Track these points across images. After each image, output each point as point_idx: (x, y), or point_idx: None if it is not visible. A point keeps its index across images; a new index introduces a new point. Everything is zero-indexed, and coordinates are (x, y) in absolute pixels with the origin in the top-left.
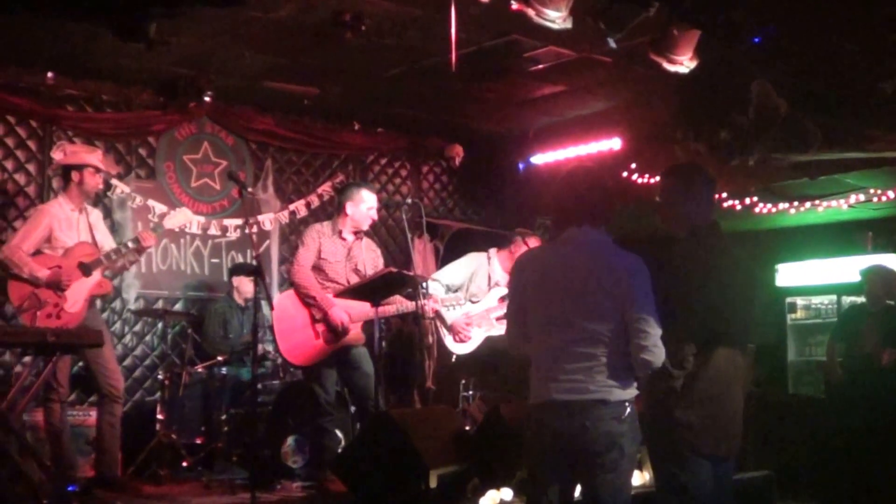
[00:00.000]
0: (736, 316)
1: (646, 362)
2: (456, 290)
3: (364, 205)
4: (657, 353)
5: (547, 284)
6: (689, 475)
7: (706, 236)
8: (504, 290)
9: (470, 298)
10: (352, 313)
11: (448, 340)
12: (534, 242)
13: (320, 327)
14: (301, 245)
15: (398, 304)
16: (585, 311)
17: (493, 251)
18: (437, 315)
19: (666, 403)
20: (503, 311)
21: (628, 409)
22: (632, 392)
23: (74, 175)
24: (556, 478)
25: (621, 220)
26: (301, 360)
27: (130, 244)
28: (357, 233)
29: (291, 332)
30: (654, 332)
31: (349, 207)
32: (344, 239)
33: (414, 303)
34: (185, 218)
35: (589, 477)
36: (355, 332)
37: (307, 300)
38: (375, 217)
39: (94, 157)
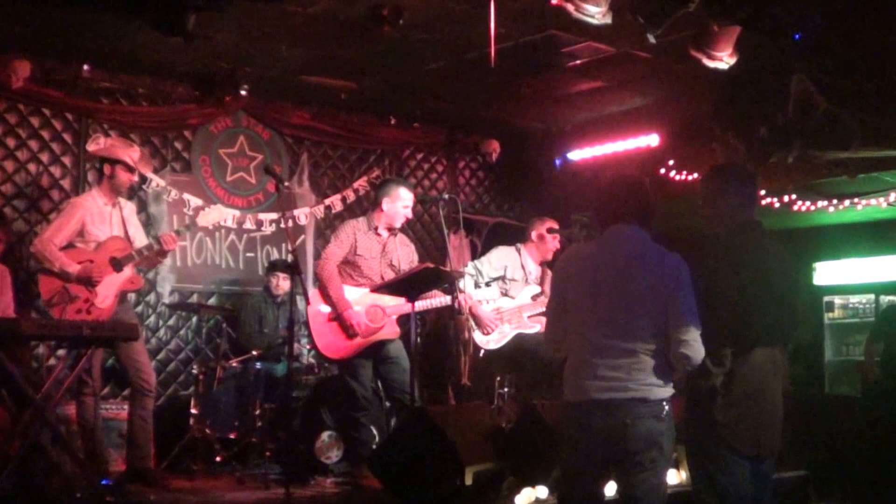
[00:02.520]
0: (774, 314)
1: (685, 357)
2: (488, 284)
3: (400, 202)
4: (696, 349)
5: (589, 281)
6: (727, 476)
7: (746, 234)
8: (537, 289)
9: (506, 292)
10: (386, 308)
11: (476, 334)
12: (545, 225)
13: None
14: (334, 239)
15: (433, 298)
16: (627, 308)
17: (519, 245)
18: (471, 310)
19: (705, 402)
20: (536, 310)
21: (667, 408)
22: (669, 391)
23: (107, 168)
24: (592, 476)
25: (659, 218)
26: (337, 354)
27: (154, 246)
28: (391, 229)
29: (327, 327)
30: (694, 328)
31: (385, 203)
32: (379, 235)
33: (449, 296)
34: (218, 216)
35: (627, 475)
36: (391, 327)
37: (326, 297)
38: (410, 215)
39: (128, 153)
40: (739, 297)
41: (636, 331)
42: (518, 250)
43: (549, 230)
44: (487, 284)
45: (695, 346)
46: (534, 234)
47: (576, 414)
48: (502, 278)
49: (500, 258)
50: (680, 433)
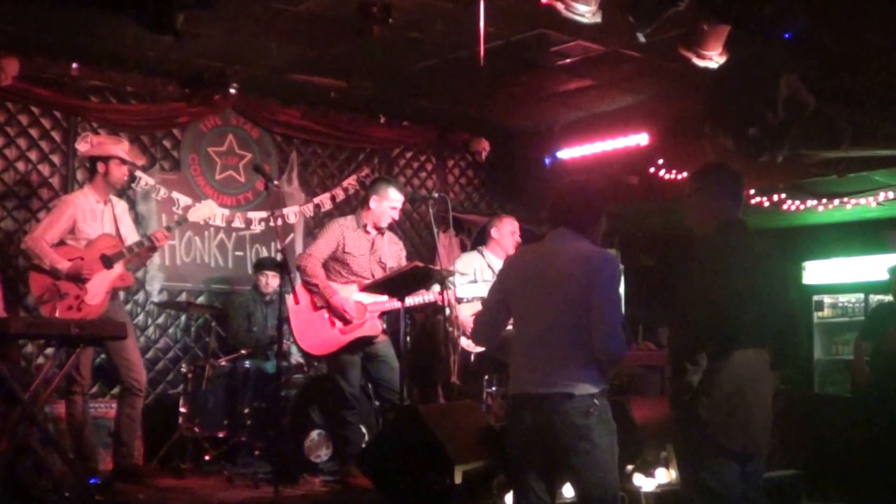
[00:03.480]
0: (756, 312)
1: (604, 348)
2: (475, 282)
3: (388, 202)
4: (615, 340)
5: (525, 279)
6: (714, 476)
7: (729, 233)
8: None
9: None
10: (368, 305)
11: (462, 339)
12: (507, 225)
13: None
14: (321, 236)
15: (418, 295)
16: (555, 306)
17: (480, 247)
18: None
19: (688, 402)
20: None
21: (596, 403)
22: (598, 386)
23: (100, 166)
24: (535, 471)
25: (647, 217)
26: (320, 351)
27: (145, 242)
28: (379, 227)
29: (307, 324)
30: (613, 320)
31: (373, 201)
32: (368, 233)
33: (434, 292)
34: (209, 211)
35: (570, 471)
36: (372, 324)
37: (311, 287)
38: (396, 216)
39: (120, 148)
40: (719, 296)
41: (564, 327)
42: (481, 253)
43: (514, 232)
44: (474, 282)
45: (613, 336)
46: (494, 232)
47: (512, 407)
48: (474, 281)
49: (465, 265)
50: (668, 432)
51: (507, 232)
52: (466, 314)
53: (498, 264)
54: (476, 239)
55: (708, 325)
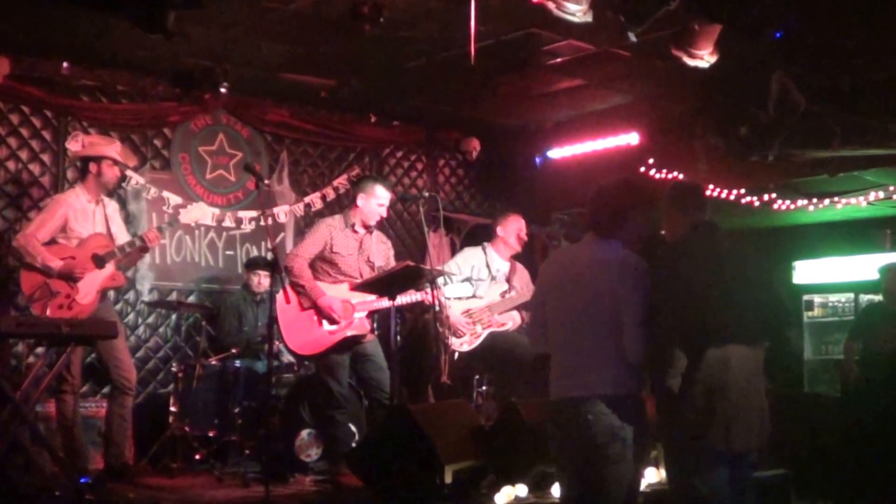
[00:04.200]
0: (735, 310)
1: (627, 351)
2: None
3: (375, 200)
4: (633, 343)
5: (558, 284)
6: (700, 477)
7: (698, 236)
8: (504, 286)
9: (473, 293)
10: (356, 305)
11: (451, 337)
12: (513, 223)
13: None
14: (309, 236)
15: (408, 295)
16: (580, 309)
17: (485, 244)
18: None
19: (669, 404)
20: (505, 306)
21: (630, 403)
22: (630, 386)
23: (92, 167)
24: (576, 474)
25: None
26: (308, 351)
27: (137, 242)
28: (367, 226)
29: (295, 324)
30: (632, 323)
31: (360, 199)
32: (356, 232)
33: (423, 291)
34: (200, 213)
35: (596, 469)
36: (361, 323)
37: (297, 288)
38: (384, 214)
39: (112, 149)
40: (690, 297)
41: (590, 331)
42: (484, 249)
43: (519, 231)
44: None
45: (632, 340)
46: (500, 231)
47: (552, 412)
48: (469, 279)
49: (467, 260)
50: (657, 432)
51: (512, 230)
52: (457, 313)
53: (498, 263)
54: (465, 236)
55: (681, 326)
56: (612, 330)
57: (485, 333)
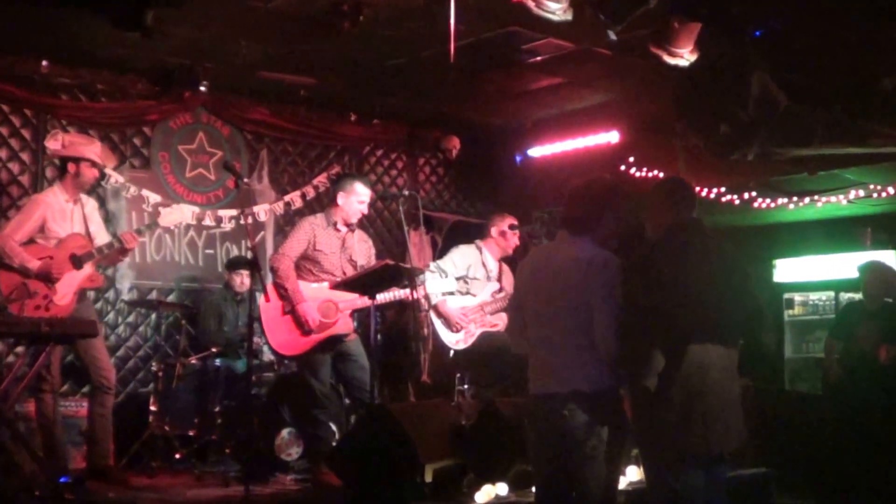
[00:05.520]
0: (713, 309)
1: (600, 349)
2: (457, 280)
3: (355, 197)
4: (606, 342)
5: (533, 283)
6: (677, 479)
7: (677, 235)
8: (496, 285)
9: (468, 290)
10: (339, 303)
11: (444, 334)
12: (503, 225)
13: None
14: (292, 235)
15: (390, 292)
16: (556, 307)
17: (479, 242)
18: (437, 308)
19: (645, 405)
20: (496, 306)
21: (607, 400)
22: (606, 383)
23: (71, 167)
24: (553, 471)
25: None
26: (292, 351)
27: (115, 244)
28: (349, 224)
29: (279, 324)
30: (606, 321)
31: (340, 198)
32: (338, 230)
33: (406, 289)
34: (180, 216)
35: (574, 465)
36: (345, 322)
37: (280, 290)
38: (365, 211)
39: (91, 149)
40: (667, 297)
41: (566, 328)
42: (479, 248)
43: (511, 226)
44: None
45: (605, 339)
46: (494, 231)
47: (531, 409)
48: (464, 278)
49: (463, 257)
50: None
51: (506, 230)
52: (455, 307)
53: (491, 262)
54: (445, 234)
55: (661, 326)
56: (587, 327)
57: (478, 332)
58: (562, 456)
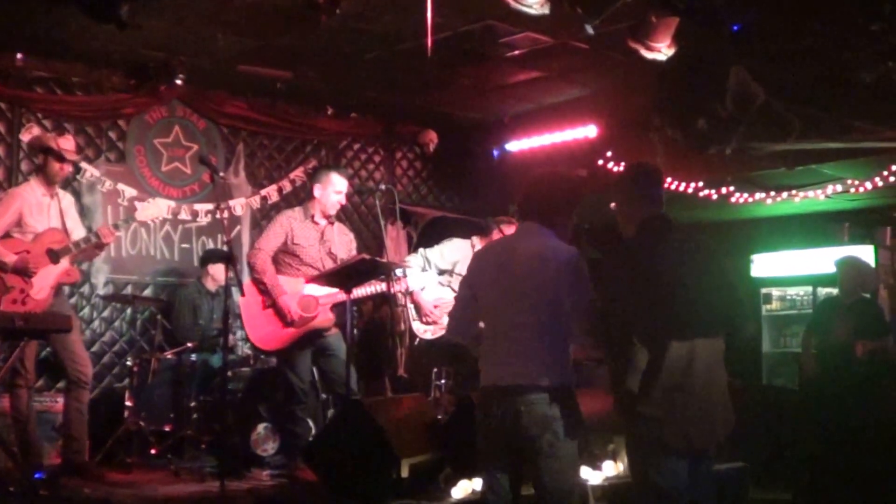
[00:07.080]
0: (693, 304)
1: (577, 343)
2: (440, 274)
3: (332, 187)
4: (579, 339)
5: (493, 274)
6: (659, 473)
7: (650, 231)
8: None
9: (449, 285)
10: (319, 297)
11: (415, 322)
12: (509, 230)
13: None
14: (268, 229)
15: (369, 286)
16: (520, 299)
17: (475, 239)
18: (412, 297)
19: (628, 401)
20: None
21: (564, 394)
22: (565, 378)
23: (39, 158)
24: (502, 465)
25: (595, 209)
26: (272, 346)
27: (92, 238)
28: (328, 217)
29: (259, 319)
30: (583, 318)
31: (317, 190)
32: (316, 223)
33: (384, 282)
34: (157, 211)
35: (531, 463)
36: (325, 315)
37: (259, 285)
38: (344, 202)
39: (58, 142)
40: (644, 293)
41: (529, 322)
42: (473, 245)
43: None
44: (439, 274)
45: (580, 335)
46: (496, 233)
47: (482, 399)
48: (450, 272)
49: (453, 252)
50: (614, 425)
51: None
52: (429, 299)
53: None
54: (422, 229)
55: (641, 322)
56: (550, 321)
57: None
58: (515, 450)
